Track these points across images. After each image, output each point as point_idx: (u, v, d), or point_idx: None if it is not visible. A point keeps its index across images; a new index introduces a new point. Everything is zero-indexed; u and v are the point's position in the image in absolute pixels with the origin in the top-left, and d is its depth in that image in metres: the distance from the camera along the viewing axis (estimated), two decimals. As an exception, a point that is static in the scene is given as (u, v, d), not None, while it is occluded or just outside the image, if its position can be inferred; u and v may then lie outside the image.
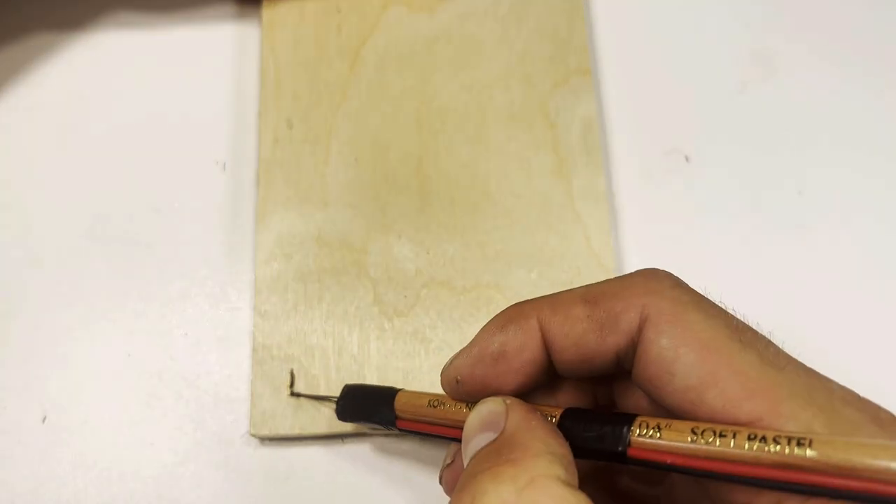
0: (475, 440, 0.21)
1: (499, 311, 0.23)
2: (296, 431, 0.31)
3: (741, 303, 0.34)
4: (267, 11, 0.37)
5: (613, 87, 0.38)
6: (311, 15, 0.37)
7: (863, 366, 0.33)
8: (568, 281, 0.33)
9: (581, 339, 0.21)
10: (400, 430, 0.26)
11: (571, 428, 0.22)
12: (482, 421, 0.22)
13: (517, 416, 0.21)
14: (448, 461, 0.26)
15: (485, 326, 0.23)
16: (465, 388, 0.23)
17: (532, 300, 0.23)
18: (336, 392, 0.30)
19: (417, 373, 0.31)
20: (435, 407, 0.24)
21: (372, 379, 0.31)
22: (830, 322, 0.34)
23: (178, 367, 0.33)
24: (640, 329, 0.20)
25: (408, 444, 0.32)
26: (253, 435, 0.31)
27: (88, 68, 0.38)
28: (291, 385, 0.31)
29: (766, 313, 0.34)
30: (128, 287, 0.34)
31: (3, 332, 0.33)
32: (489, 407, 0.22)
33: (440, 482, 0.26)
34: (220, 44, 0.38)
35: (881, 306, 0.34)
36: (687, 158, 0.37)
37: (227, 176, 0.36)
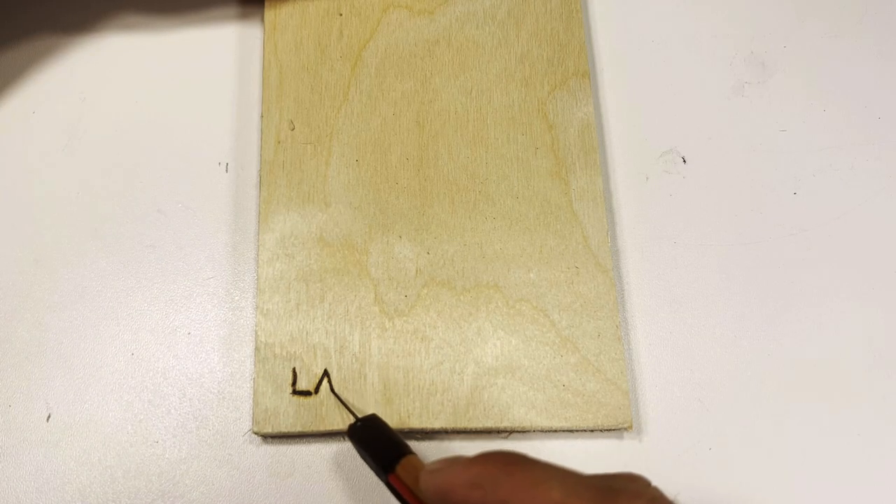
0: None
1: (492, 454, 0.23)
2: (297, 429, 0.31)
3: (737, 302, 0.35)
4: (269, 14, 0.38)
5: (611, 89, 0.38)
6: (313, 18, 0.38)
7: (857, 364, 0.34)
8: (566, 280, 0.33)
9: None
10: (387, 482, 0.26)
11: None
12: None
13: None
14: None
15: (470, 462, 0.23)
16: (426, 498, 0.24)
17: (517, 473, 0.22)
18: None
19: (418, 371, 0.32)
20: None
21: (374, 377, 0.32)
22: (826, 320, 0.34)
23: (181, 366, 0.33)
24: None
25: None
26: (255, 433, 0.31)
27: (93, 70, 0.38)
28: (294, 383, 0.32)
29: (763, 312, 0.34)
30: (132, 287, 0.35)
31: (8, 331, 0.34)
32: None
33: None
34: (223, 46, 0.39)
35: (877, 305, 0.35)
36: (684, 159, 0.37)
37: (229, 177, 0.36)
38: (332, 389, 0.31)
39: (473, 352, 0.32)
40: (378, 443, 0.28)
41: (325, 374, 0.32)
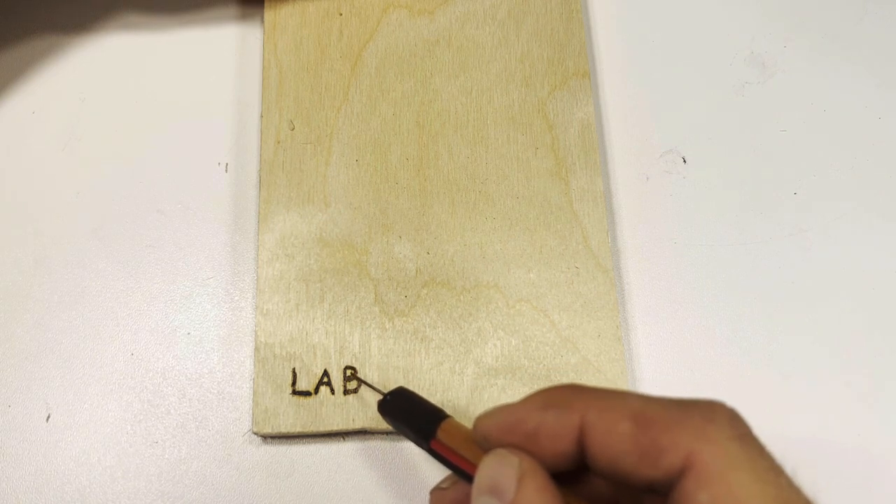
0: (480, 500, 0.20)
1: (550, 387, 0.22)
2: (297, 429, 0.31)
3: (737, 302, 0.35)
4: (269, 14, 0.38)
5: (611, 89, 0.38)
6: (313, 18, 0.38)
7: (857, 365, 0.34)
8: (566, 281, 0.33)
9: (618, 457, 0.20)
10: (430, 449, 0.25)
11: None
12: (491, 483, 0.20)
13: (530, 490, 0.20)
14: (444, 486, 0.25)
15: (530, 396, 0.22)
16: (491, 447, 0.22)
17: (585, 391, 0.21)
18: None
19: (418, 371, 0.32)
20: (482, 448, 0.23)
21: (374, 377, 0.32)
22: (826, 321, 0.34)
23: (181, 366, 0.33)
24: (682, 472, 0.19)
25: (408, 443, 0.32)
26: (255, 433, 0.31)
27: (93, 70, 0.38)
28: (293, 384, 0.32)
29: (763, 312, 0.34)
30: (131, 287, 0.34)
31: (8, 331, 0.34)
32: (500, 469, 0.20)
33: (429, 500, 0.25)
34: (223, 46, 0.39)
35: (877, 305, 0.35)
36: (684, 160, 0.37)
37: (229, 177, 0.36)
38: (352, 376, 0.31)
39: (473, 352, 0.32)
40: (412, 412, 0.27)
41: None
